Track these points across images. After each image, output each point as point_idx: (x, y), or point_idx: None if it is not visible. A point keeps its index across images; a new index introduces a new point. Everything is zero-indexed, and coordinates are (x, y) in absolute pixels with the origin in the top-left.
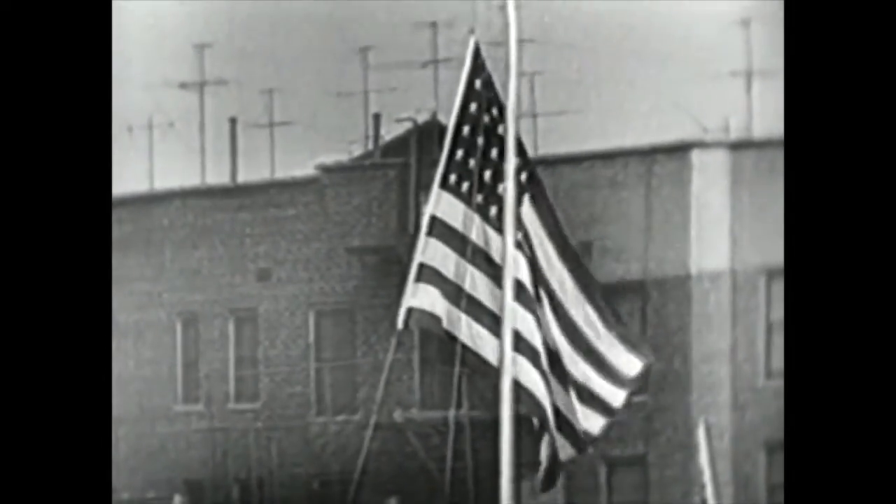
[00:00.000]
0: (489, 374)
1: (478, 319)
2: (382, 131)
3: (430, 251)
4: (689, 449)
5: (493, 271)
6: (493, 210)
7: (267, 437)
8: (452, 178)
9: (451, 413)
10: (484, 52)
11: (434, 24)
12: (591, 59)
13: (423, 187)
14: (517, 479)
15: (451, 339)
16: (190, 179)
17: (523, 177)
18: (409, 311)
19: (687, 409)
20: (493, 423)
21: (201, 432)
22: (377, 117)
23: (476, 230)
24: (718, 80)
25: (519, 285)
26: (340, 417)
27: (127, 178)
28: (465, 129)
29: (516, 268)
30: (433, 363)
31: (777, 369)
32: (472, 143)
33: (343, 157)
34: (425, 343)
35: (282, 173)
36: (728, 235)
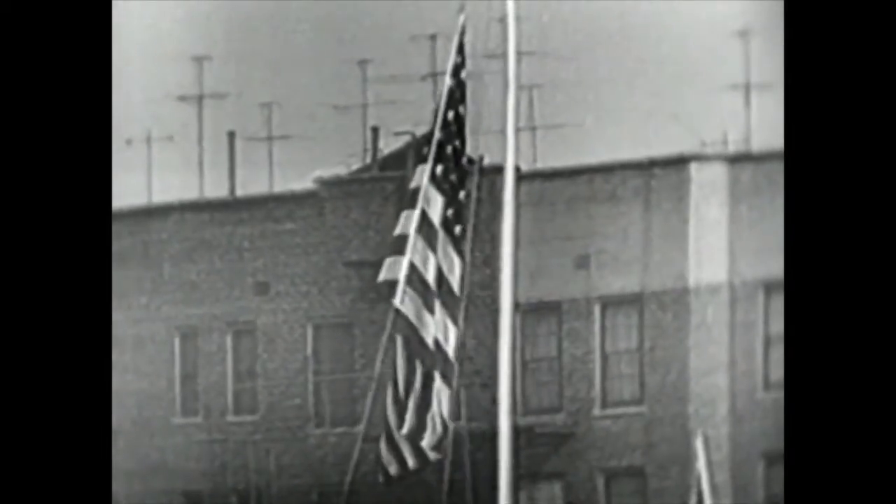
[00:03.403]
0: (425, 356)
1: (422, 298)
2: (381, 145)
3: (404, 223)
4: (687, 460)
5: (431, 235)
6: (440, 169)
7: (265, 448)
8: (427, 149)
9: (450, 424)
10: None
11: (433, 37)
12: (590, 72)
13: None
14: (515, 489)
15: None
16: (188, 193)
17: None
18: (391, 284)
19: (685, 420)
20: (491, 435)
21: (200, 444)
22: (375, 131)
23: (429, 200)
24: (717, 93)
25: (427, 222)
26: (339, 429)
27: (125, 191)
28: (450, 114)
29: (429, 203)
30: None
31: (775, 381)
32: (453, 121)
33: (341, 171)
34: None
35: (280, 187)
36: (726, 248)
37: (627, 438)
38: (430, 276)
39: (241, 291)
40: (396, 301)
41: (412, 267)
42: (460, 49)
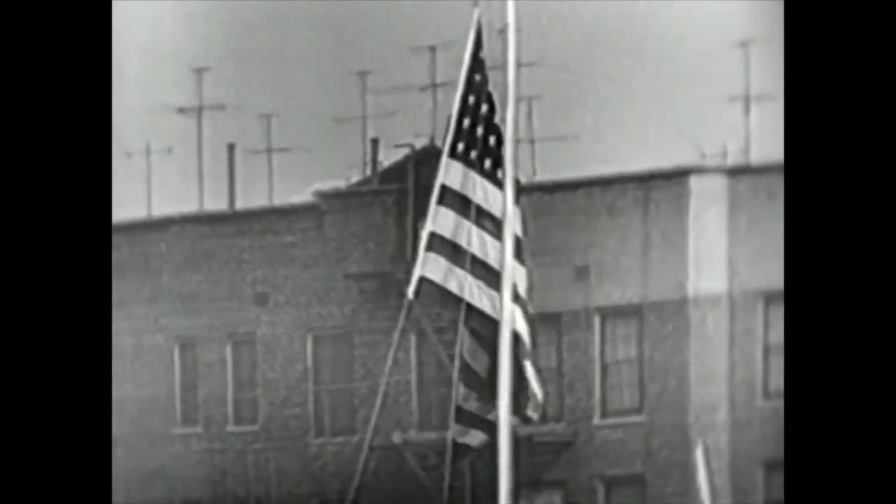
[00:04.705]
0: (490, 333)
1: (483, 279)
2: (381, 157)
3: (440, 220)
4: (687, 467)
5: (497, 231)
6: (500, 173)
7: (265, 457)
8: (460, 146)
9: (450, 432)
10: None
11: (432, 49)
12: (590, 84)
13: (421, 213)
14: (515, 497)
15: (459, 301)
16: (188, 205)
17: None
18: (421, 280)
19: (685, 428)
20: (491, 443)
21: (200, 453)
22: (375, 143)
23: (481, 194)
24: (717, 105)
25: (517, 241)
26: (339, 439)
27: (125, 203)
28: (471, 99)
29: (514, 222)
30: (430, 385)
31: (775, 390)
32: (477, 111)
33: (341, 184)
34: (422, 365)
35: (280, 199)
36: (725, 259)
37: (627, 447)
38: (494, 262)
39: (240, 302)
40: (465, 296)
41: (474, 258)
42: (478, 40)
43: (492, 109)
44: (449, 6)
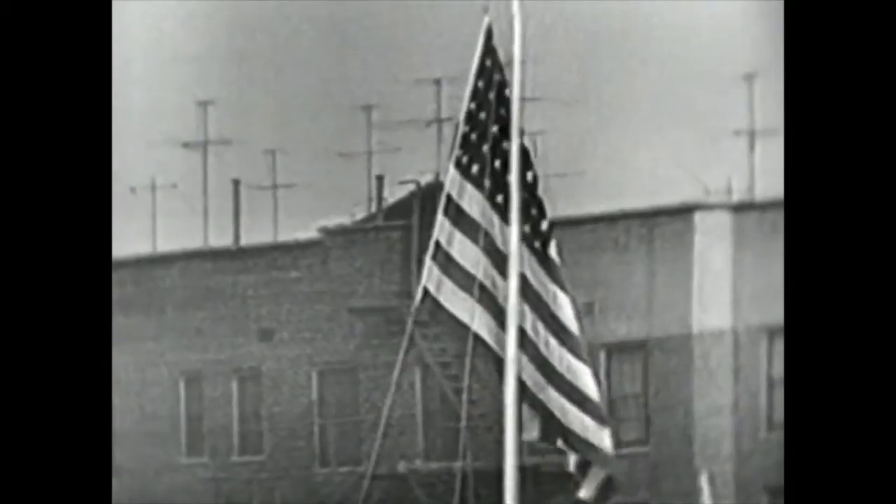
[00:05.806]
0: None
1: (486, 306)
2: (385, 193)
3: (445, 233)
4: (692, 496)
5: (500, 259)
6: (500, 198)
7: (271, 486)
8: (465, 159)
9: (459, 463)
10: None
11: (438, 82)
12: (594, 120)
13: (426, 250)
14: None
15: (460, 324)
16: (193, 241)
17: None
18: (425, 290)
19: (690, 459)
20: (496, 474)
21: (205, 482)
22: (380, 179)
23: (486, 217)
24: (721, 140)
25: (524, 281)
26: (344, 469)
27: (130, 239)
28: (472, 106)
29: (522, 263)
30: (435, 417)
31: (779, 422)
32: (484, 123)
33: (346, 220)
34: (427, 398)
35: (285, 235)
36: (730, 295)
37: (633, 476)
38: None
39: (245, 338)
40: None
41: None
42: (487, 43)
43: (492, 113)
44: (454, 39)
